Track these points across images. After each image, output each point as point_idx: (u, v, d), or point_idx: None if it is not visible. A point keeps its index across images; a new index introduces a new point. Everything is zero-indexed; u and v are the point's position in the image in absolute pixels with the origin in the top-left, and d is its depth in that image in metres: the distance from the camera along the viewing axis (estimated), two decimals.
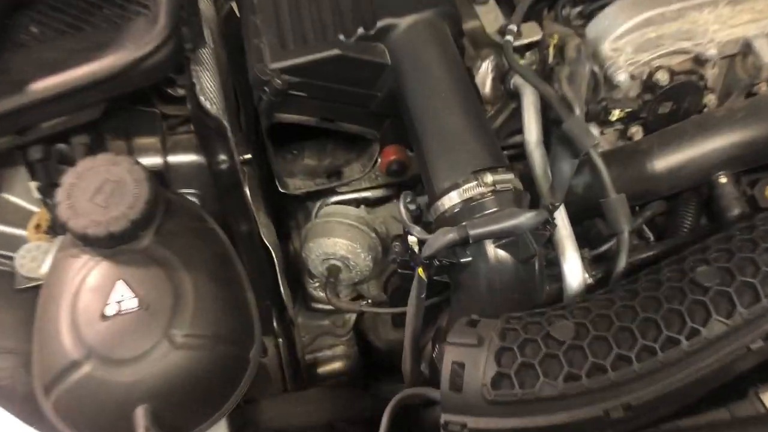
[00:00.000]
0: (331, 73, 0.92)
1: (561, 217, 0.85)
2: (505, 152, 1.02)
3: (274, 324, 1.20)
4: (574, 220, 0.88)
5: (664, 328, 0.65)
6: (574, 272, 0.84)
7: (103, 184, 0.82)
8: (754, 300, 0.63)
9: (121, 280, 0.81)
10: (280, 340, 1.21)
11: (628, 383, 0.64)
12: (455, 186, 0.82)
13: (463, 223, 0.80)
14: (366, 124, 1.01)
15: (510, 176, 0.82)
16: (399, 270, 0.93)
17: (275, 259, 1.09)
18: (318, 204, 1.10)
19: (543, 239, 0.81)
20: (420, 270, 0.86)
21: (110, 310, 0.79)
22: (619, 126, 0.95)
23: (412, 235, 0.87)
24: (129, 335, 0.78)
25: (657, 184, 0.86)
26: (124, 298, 0.80)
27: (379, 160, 1.05)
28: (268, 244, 1.08)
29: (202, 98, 0.99)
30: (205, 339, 0.81)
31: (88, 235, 0.79)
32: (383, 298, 1.17)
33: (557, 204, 0.81)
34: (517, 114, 0.98)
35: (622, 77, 0.87)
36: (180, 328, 0.80)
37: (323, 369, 1.28)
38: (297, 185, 1.06)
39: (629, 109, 0.91)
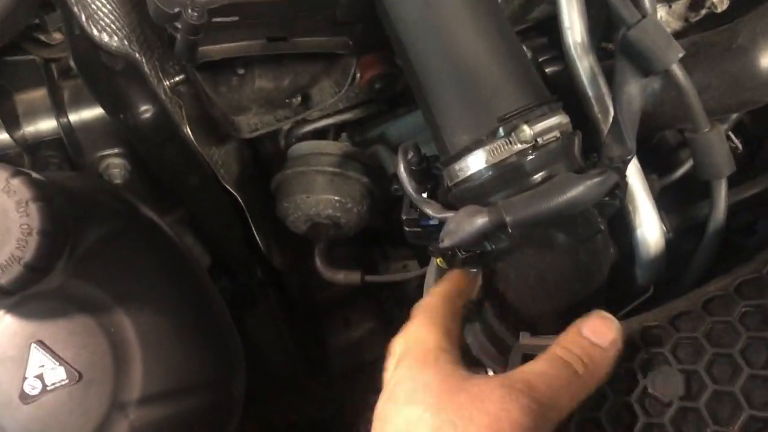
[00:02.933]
0: None
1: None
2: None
3: (259, 274, 1.00)
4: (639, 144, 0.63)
5: None
6: (651, 238, 0.61)
7: None
8: None
9: (35, 343, 0.59)
10: (270, 290, 1.01)
11: None
12: (478, 144, 0.57)
13: (497, 203, 0.56)
14: (332, 33, 0.71)
15: (555, 119, 0.56)
16: (406, 229, 0.69)
17: (242, 203, 0.85)
18: (283, 136, 0.83)
19: (612, 210, 0.57)
20: (438, 260, 0.64)
21: (31, 388, 0.58)
22: None
23: (421, 210, 0.63)
24: (63, 418, 0.58)
25: (761, 90, 0.60)
26: (45, 367, 0.58)
27: (357, 75, 0.76)
28: (229, 188, 0.84)
29: (94, 31, 0.69)
30: (168, 396, 0.61)
31: None
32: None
33: (629, 157, 0.56)
34: None
35: None
36: (130, 392, 0.59)
37: None
38: (252, 124, 0.78)
39: None
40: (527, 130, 0.55)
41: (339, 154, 0.78)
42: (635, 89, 0.57)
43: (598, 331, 0.48)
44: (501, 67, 0.58)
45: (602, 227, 0.58)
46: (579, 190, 0.54)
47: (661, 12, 0.67)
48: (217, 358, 0.66)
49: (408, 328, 0.54)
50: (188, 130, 0.78)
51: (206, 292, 0.68)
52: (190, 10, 0.59)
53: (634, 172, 0.62)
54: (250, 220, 0.87)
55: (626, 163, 0.56)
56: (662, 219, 0.62)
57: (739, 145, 0.70)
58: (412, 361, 0.50)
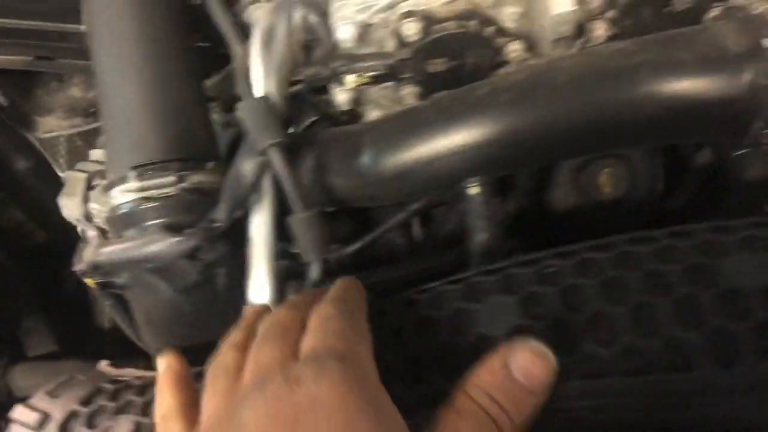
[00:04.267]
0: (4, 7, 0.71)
1: (259, 223, 0.64)
2: None
3: None
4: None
5: None
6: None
7: None
8: None
9: None
10: None
11: None
12: (110, 185, 0.63)
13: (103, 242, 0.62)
14: None
15: (170, 178, 0.61)
16: None
17: None
18: None
19: (206, 268, 0.62)
20: (88, 281, 0.70)
21: None
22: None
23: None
24: None
25: (381, 189, 0.61)
26: None
27: None
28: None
29: None
30: None
31: None
32: None
33: (218, 224, 0.60)
34: None
35: (346, 32, 0.60)
36: None
37: None
38: (49, 126, 0.88)
39: (374, 73, 0.63)
40: (134, 183, 0.61)
41: None
42: (248, 165, 0.60)
43: (531, 372, 0.38)
44: (149, 120, 0.63)
45: (198, 280, 0.62)
46: (155, 247, 0.59)
47: (344, 96, 0.68)
48: None
49: None
50: None
51: None
52: None
53: (260, 240, 0.65)
54: None
55: (215, 230, 0.60)
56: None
57: (421, 233, 0.71)
58: None
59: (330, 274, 0.70)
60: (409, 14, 0.59)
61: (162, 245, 0.59)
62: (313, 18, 0.60)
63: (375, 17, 0.60)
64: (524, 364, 0.39)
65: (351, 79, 0.63)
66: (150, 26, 0.65)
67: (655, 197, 0.74)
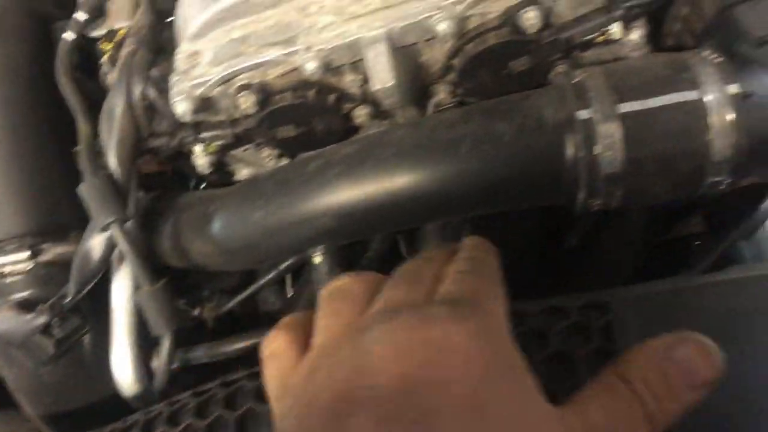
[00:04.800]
0: None
1: (119, 293, 0.65)
2: None
3: None
4: None
5: None
6: (123, 372, 0.65)
7: None
8: None
9: None
10: None
11: None
12: None
13: None
14: None
15: (22, 254, 0.63)
16: None
17: None
18: None
19: (60, 342, 0.63)
20: None
21: None
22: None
23: None
24: None
25: (231, 256, 0.61)
26: None
27: None
28: None
29: None
30: None
31: None
32: None
33: (67, 302, 0.61)
34: None
35: (180, 108, 0.60)
36: None
37: None
38: None
39: (221, 142, 0.64)
40: None
41: None
42: (95, 241, 0.61)
43: (694, 367, 0.36)
44: (5, 194, 0.65)
45: (59, 353, 0.63)
46: (7, 324, 0.61)
47: (204, 160, 0.67)
48: None
49: None
50: None
51: None
52: None
53: (120, 310, 0.65)
54: None
55: (61, 308, 0.61)
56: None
57: (289, 291, 0.72)
58: None
59: (208, 332, 0.71)
60: (244, 87, 0.59)
61: (13, 323, 0.60)
62: (153, 93, 0.60)
63: (213, 91, 0.60)
64: (688, 356, 0.36)
65: (199, 149, 0.63)
66: (9, 95, 0.66)
67: (535, 242, 0.75)
